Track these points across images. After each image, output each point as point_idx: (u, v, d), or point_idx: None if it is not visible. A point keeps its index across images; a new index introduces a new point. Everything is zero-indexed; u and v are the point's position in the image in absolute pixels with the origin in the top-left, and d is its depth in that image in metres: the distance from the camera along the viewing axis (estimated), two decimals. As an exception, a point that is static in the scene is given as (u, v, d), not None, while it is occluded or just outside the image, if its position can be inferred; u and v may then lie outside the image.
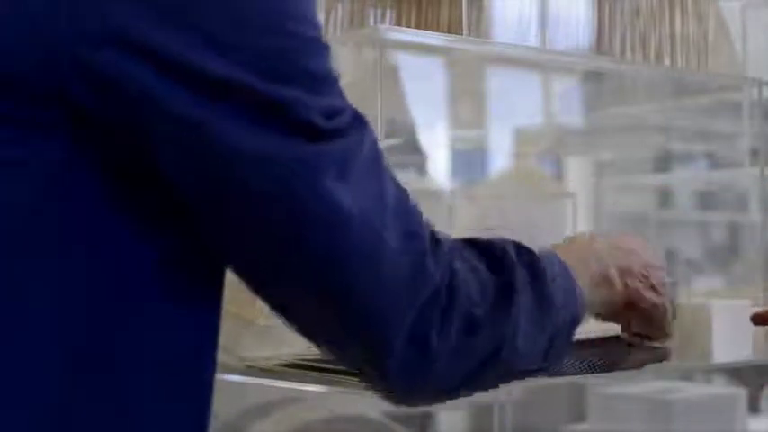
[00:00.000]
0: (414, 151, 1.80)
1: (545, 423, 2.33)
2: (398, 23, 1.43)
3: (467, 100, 1.87)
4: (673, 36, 1.64)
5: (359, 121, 0.72)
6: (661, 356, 1.42)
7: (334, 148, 0.69)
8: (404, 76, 1.53)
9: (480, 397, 0.83)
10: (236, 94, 0.66)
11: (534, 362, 0.82)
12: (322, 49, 0.71)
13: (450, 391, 0.79)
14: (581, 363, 1.33)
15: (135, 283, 0.69)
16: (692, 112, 2.03)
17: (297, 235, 0.68)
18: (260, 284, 0.73)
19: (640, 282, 0.95)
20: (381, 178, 0.72)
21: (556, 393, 2.39)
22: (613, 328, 1.40)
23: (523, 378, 0.85)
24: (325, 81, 0.71)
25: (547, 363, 0.84)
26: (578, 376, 1.33)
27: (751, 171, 1.73)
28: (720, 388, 2.43)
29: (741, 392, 2.19)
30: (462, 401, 0.83)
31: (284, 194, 0.68)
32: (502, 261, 0.78)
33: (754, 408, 2.37)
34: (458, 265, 0.74)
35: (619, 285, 0.93)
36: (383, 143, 1.29)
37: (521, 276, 0.78)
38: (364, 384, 0.78)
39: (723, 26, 1.77)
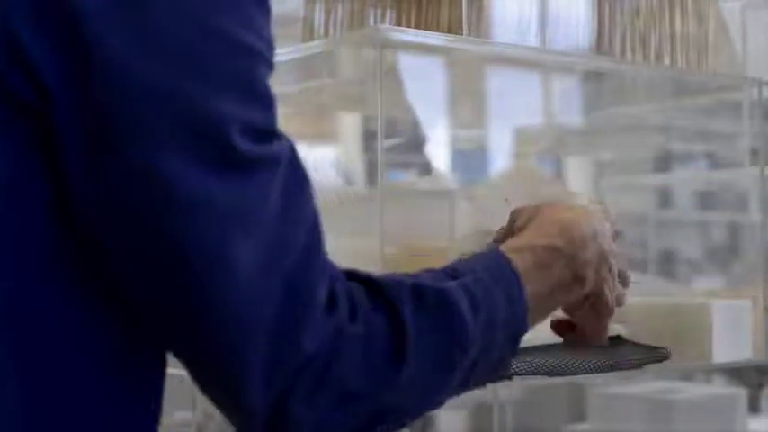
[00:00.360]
0: (415, 150, 1.80)
1: (545, 423, 2.34)
2: (398, 23, 1.43)
3: (467, 100, 1.87)
4: (673, 36, 1.64)
5: (286, 151, 0.68)
6: (661, 356, 1.43)
7: (245, 192, 0.65)
8: (404, 77, 1.53)
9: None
10: (158, 97, 0.63)
11: (447, 396, 0.79)
12: (264, 64, 0.67)
13: None
14: (581, 363, 1.33)
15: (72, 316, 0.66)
16: (692, 112, 2.03)
17: (176, 277, 0.65)
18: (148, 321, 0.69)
19: (609, 274, 0.89)
20: (290, 227, 0.67)
21: (556, 393, 2.39)
22: (613, 329, 1.41)
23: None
24: (257, 95, 0.67)
25: (471, 384, 0.81)
26: (578, 376, 1.33)
27: (751, 171, 1.73)
28: (720, 388, 2.43)
29: (741, 392, 2.19)
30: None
31: (179, 234, 0.64)
32: (401, 317, 0.72)
33: (754, 408, 2.37)
34: (348, 329, 0.70)
35: (591, 283, 0.87)
36: (384, 143, 1.29)
37: (417, 329, 0.73)
38: None
39: (723, 26, 1.77)
